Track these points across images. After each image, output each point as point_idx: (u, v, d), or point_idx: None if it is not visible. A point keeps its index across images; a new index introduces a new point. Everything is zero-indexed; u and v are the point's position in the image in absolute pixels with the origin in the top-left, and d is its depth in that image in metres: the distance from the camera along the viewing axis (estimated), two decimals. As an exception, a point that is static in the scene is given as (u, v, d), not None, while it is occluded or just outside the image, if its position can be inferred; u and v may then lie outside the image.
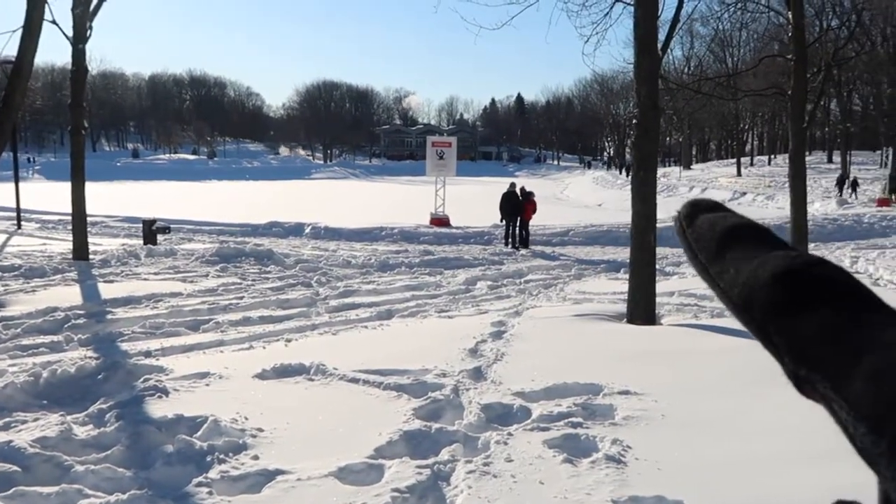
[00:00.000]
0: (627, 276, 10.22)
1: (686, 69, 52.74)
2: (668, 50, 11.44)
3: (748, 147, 77.48)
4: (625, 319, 9.76)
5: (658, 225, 10.29)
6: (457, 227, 23.81)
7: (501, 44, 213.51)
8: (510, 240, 20.68)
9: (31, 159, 78.54)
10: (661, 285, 11.28)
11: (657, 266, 10.76)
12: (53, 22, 13.68)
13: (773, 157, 71.27)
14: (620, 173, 69.86)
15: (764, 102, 45.49)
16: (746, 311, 0.39)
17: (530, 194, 21.13)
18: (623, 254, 17.89)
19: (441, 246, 20.13)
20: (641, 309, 9.77)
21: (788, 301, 0.37)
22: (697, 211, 0.44)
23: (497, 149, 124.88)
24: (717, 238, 0.42)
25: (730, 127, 74.65)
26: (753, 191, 42.28)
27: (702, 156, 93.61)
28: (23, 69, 10.10)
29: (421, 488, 4.37)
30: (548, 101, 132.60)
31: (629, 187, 10.65)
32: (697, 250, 0.42)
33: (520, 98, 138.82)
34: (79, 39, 14.60)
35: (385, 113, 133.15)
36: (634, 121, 10.56)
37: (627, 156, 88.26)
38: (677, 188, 46.86)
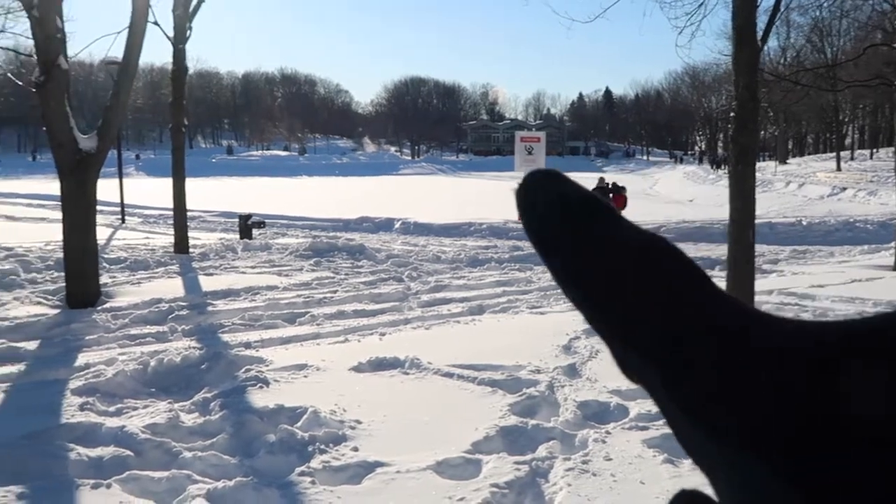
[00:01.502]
0: (724, 273, 9.98)
1: (782, 60, 51.06)
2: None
3: (848, 140, 74.50)
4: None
5: (756, 221, 10.00)
6: (545, 223, 23.65)
7: (589, 37, 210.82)
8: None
9: (138, 156, 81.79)
10: (760, 283, 10.96)
11: (754, 263, 10.45)
12: (155, 23, 14.22)
13: (875, 150, 68.33)
14: (712, 168, 68.13)
15: (866, 94, 43.66)
16: (580, 290, 0.36)
17: (622, 189, 20.83)
18: (717, 251, 17.47)
19: (527, 241, 20.03)
20: (739, 307, 9.50)
21: (628, 278, 0.34)
22: (533, 182, 0.42)
23: (584, 144, 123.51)
24: (552, 209, 0.38)
25: (828, 120, 71.88)
26: (854, 186, 40.58)
27: (798, 150, 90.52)
28: (129, 69, 10.47)
29: (519, 484, 4.37)
30: (637, 94, 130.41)
31: (721, 183, 10.41)
32: (531, 223, 0.38)
33: (608, 92, 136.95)
34: (179, 40, 15.11)
35: (472, 108, 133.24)
36: (732, 114, 10.28)
37: (720, 150, 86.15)
38: (773, 183, 45.42)
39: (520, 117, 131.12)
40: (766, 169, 59.61)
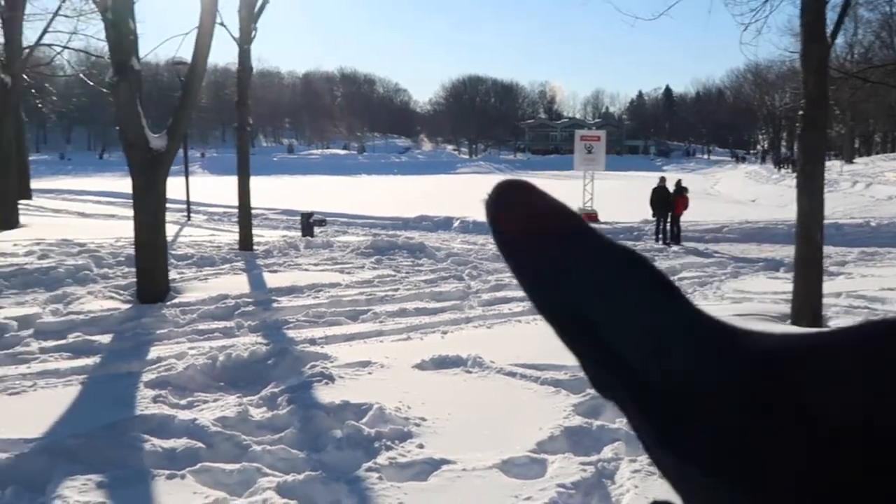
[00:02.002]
0: (789, 274, 9.80)
1: (849, 57, 49.64)
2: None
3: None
4: (789, 321, 9.35)
5: (825, 221, 9.79)
6: (605, 223, 23.48)
7: (650, 35, 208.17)
8: (661, 236, 20.19)
9: (203, 154, 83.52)
10: (827, 285, 10.71)
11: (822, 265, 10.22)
12: (222, 24, 14.48)
13: (947, 149, 65.98)
14: (775, 167, 66.64)
15: (939, 91, 42.11)
16: (549, 305, 0.36)
17: (683, 189, 20.55)
18: (782, 251, 17.12)
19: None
20: (807, 310, 9.31)
21: (594, 291, 0.34)
22: (502, 192, 0.39)
23: (644, 143, 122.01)
24: (521, 221, 0.37)
25: (898, 117, 69.71)
26: (925, 186, 39.32)
27: (865, 149, 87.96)
28: (197, 69, 10.71)
29: (586, 485, 4.37)
30: (698, 92, 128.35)
31: (785, 182, 10.19)
32: (500, 235, 0.38)
33: (668, 90, 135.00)
34: (244, 40, 15.36)
35: (530, 107, 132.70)
36: (800, 112, 10.06)
37: (783, 149, 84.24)
38: (839, 183, 44.22)
39: (578, 116, 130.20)
40: (832, 168, 57.98)
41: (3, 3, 19.89)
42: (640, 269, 0.35)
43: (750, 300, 11.11)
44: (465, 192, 41.79)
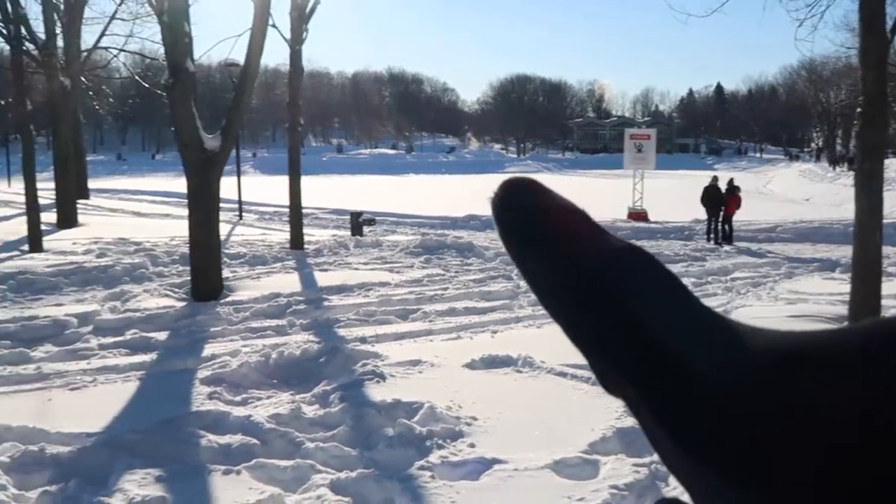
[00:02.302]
0: (845, 275, 9.59)
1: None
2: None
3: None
4: (846, 323, 9.14)
5: (884, 221, 9.56)
6: (655, 222, 23.23)
7: (701, 32, 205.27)
8: (712, 235, 19.91)
9: (255, 154, 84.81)
10: (886, 287, 10.46)
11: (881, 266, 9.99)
12: (273, 26, 14.66)
13: None
14: (830, 166, 65.20)
15: None
16: (557, 304, 0.35)
17: (736, 188, 20.23)
18: (837, 252, 16.76)
19: (639, 241, 19.64)
20: (865, 312, 9.10)
21: (601, 292, 0.33)
22: (509, 191, 0.38)
23: (694, 141, 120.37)
24: (529, 221, 0.36)
25: (961, 114, 67.63)
26: None
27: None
28: (250, 71, 10.85)
29: (639, 487, 4.33)
30: (749, 90, 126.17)
31: (840, 181, 9.97)
32: (508, 235, 0.37)
33: (719, 88, 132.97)
34: (295, 41, 15.53)
35: (578, 106, 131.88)
36: (858, 109, 9.84)
37: (838, 147, 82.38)
38: (898, 182, 43.16)
39: (627, 114, 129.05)
40: (890, 167, 56.61)
41: (62, 7, 20.40)
42: (652, 269, 0.34)
43: (805, 301, 10.90)
44: (513, 191, 41.63)
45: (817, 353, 0.29)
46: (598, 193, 38.76)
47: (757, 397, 0.29)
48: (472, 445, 5.04)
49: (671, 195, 31.78)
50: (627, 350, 0.32)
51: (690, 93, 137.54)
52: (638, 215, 24.32)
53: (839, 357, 0.28)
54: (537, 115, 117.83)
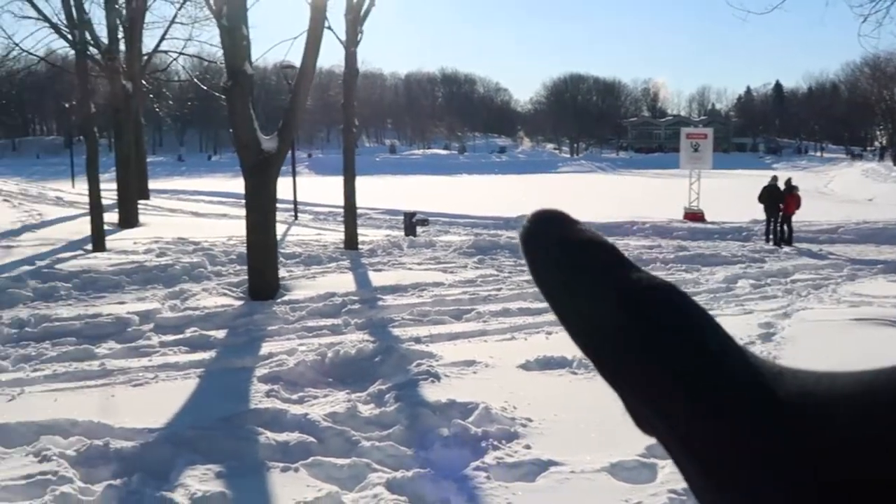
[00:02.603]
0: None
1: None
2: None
3: None
4: (912, 327, 8.88)
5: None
6: (712, 223, 22.86)
7: (759, 29, 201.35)
8: (772, 236, 19.52)
9: (310, 155, 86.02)
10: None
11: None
12: (329, 28, 14.80)
13: None
14: (895, 165, 63.38)
15: None
16: (588, 340, 0.34)
17: (794, 188, 19.79)
18: (903, 254, 16.30)
19: (696, 241, 19.41)
20: (933, 316, 8.84)
21: (635, 332, 0.32)
22: (538, 224, 0.38)
23: (752, 140, 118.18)
24: (558, 255, 0.36)
25: None
26: None
27: None
28: (307, 73, 10.97)
29: (698, 492, 4.27)
30: (810, 87, 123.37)
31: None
32: (536, 268, 0.37)
33: (778, 85, 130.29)
34: (350, 43, 15.65)
35: (632, 105, 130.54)
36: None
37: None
38: (967, 181, 41.77)
39: (683, 113, 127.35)
40: (958, 165, 54.78)
41: (124, 13, 20.90)
42: (687, 308, 0.34)
43: (869, 304, 10.61)
44: (567, 191, 41.48)
45: (844, 407, 0.29)
46: (653, 193, 38.31)
47: (794, 444, 0.29)
48: (527, 447, 5.02)
49: (728, 195, 31.25)
50: (653, 391, 0.32)
51: (748, 91, 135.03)
52: (694, 216, 23.96)
53: (864, 416, 0.28)
54: (591, 114, 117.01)
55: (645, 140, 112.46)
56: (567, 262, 0.36)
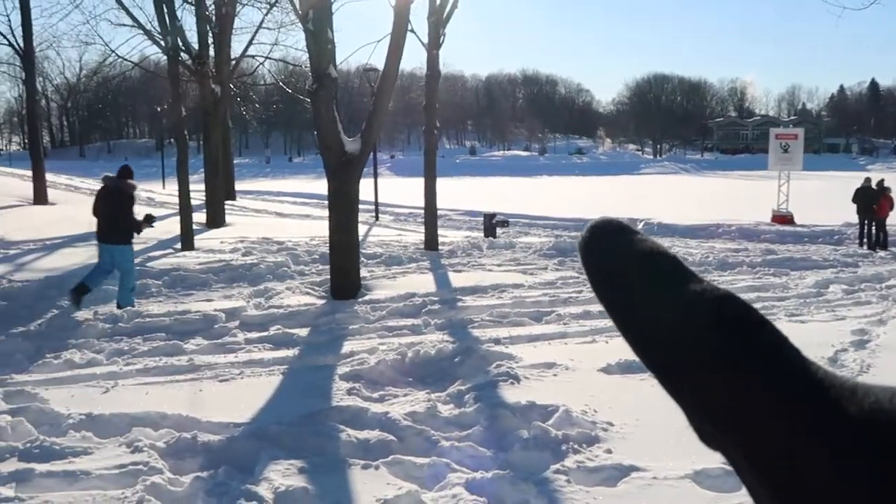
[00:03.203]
0: None
1: None
2: None
3: None
4: None
5: None
6: (801, 225, 22.17)
7: (853, 25, 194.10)
8: (865, 240, 18.80)
9: (393, 156, 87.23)
10: None
11: None
12: (412, 30, 14.92)
13: None
14: None
15: None
16: (649, 353, 0.33)
17: (886, 189, 19.00)
18: None
19: (784, 245, 18.86)
20: None
21: (698, 346, 0.32)
22: (597, 235, 0.37)
23: (845, 140, 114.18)
24: (617, 266, 0.35)
25: None
26: None
27: None
28: (390, 75, 11.07)
29: (787, 502, 4.14)
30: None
31: None
32: (596, 279, 0.36)
33: (873, 84, 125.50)
34: (433, 45, 15.75)
35: (719, 105, 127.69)
36: None
37: None
38: None
39: (771, 113, 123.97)
40: None
41: (214, 19, 21.50)
42: (752, 322, 0.33)
43: (971, 312, 10.11)
44: (650, 193, 40.81)
45: None
46: (739, 195, 37.38)
47: (867, 464, 0.28)
48: (608, 451, 4.95)
49: (819, 198, 30.24)
50: (720, 406, 0.32)
51: (841, 90, 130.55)
52: (783, 218, 23.27)
53: None
54: (675, 114, 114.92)
55: (731, 141, 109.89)
56: (629, 273, 0.35)
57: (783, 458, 0.30)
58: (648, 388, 6.42)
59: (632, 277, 0.35)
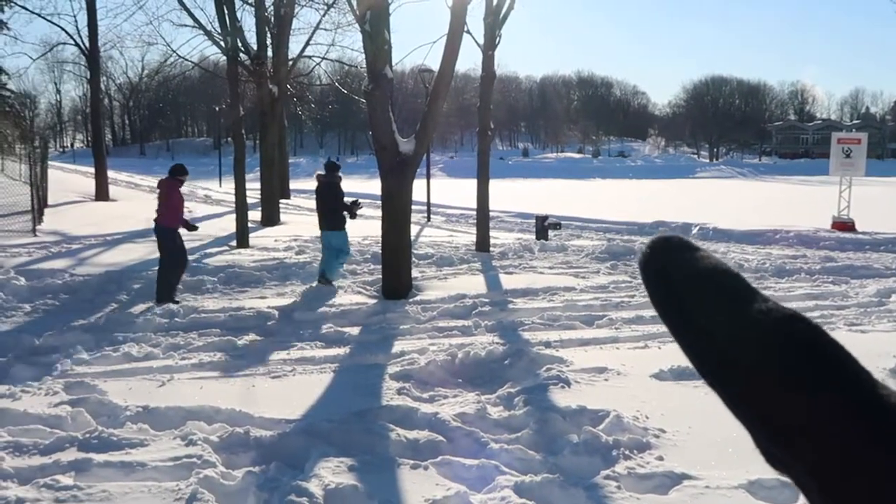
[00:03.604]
0: None
1: None
2: None
3: None
4: None
5: None
6: (863, 233, 21.58)
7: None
8: (930, 249, 18.24)
9: (452, 157, 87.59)
10: None
11: None
12: (467, 31, 14.93)
13: None
14: None
15: None
16: (714, 372, 0.33)
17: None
18: None
19: (845, 252, 18.38)
20: None
21: (767, 366, 0.30)
22: (658, 251, 0.36)
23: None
24: (680, 283, 0.34)
25: None
26: None
27: None
28: (445, 76, 11.08)
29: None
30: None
31: None
32: (658, 296, 0.35)
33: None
34: (488, 46, 15.72)
35: (778, 108, 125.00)
36: None
37: None
38: None
39: (833, 117, 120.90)
40: None
41: (272, 20, 21.80)
42: (822, 344, 0.32)
43: None
44: (706, 197, 40.17)
45: None
46: (798, 201, 36.59)
47: None
48: (660, 458, 4.89)
49: (883, 204, 29.47)
50: (783, 426, 0.31)
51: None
52: (843, 225, 22.68)
53: None
54: (732, 117, 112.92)
55: (790, 145, 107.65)
56: (693, 291, 0.35)
57: (851, 477, 0.29)
58: (702, 395, 6.33)
59: (696, 295, 0.35)
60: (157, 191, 10.37)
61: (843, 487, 0.30)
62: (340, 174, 11.50)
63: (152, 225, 10.32)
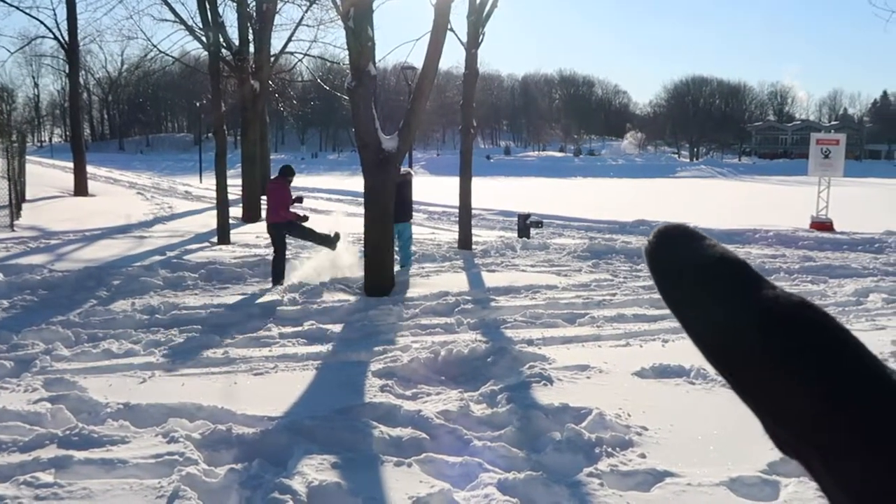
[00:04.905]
0: None
1: None
2: None
3: None
4: None
5: None
6: (841, 233, 21.79)
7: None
8: (907, 249, 18.44)
9: (438, 154, 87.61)
10: None
11: None
12: (451, 29, 14.92)
13: None
14: None
15: None
16: (723, 358, 0.33)
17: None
18: None
19: (823, 252, 18.55)
20: None
21: (777, 352, 0.31)
22: (665, 241, 0.36)
23: (888, 147, 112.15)
24: (688, 272, 0.35)
25: None
26: None
27: None
28: (428, 73, 11.06)
29: (824, 513, 4.08)
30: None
31: None
32: (665, 285, 0.35)
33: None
34: (472, 44, 15.72)
35: (758, 109, 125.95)
36: None
37: None
38: None
39: (812, 118, 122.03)
40: None
41: (254, 16, 21.69)
42: (831, 330, 0.33)
43: None
44: (687, 197, 40.40)
45: None
46: (777, 201, 36.87)
47: None
48: (642, 456, 4.91)
49: (860, 204, 29.79)
50: (793, 413, 0.32)
51: (885, 95, 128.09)
52: (822, 225, 22.90)
53: None
54: (713, 117, 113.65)
55: (770, 145, 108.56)
56: (700, 279, 0.35)
57: (861, 459, 0.30)
58: (684, 393, 6.38)
59: (703, 283, 0.35)
60: (269, 191, 11.54)
61: (854, 470, 0.30)
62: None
63: (264, 223, 10.82)
